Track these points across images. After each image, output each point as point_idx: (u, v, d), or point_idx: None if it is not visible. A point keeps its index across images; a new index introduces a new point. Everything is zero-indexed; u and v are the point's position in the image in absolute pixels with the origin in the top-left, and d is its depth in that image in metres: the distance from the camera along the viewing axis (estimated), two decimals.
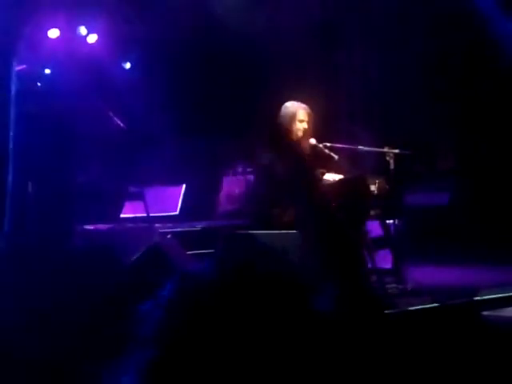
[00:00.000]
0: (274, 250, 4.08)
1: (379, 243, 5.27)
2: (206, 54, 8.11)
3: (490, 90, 7.24)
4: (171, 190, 8.19)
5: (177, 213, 8.05)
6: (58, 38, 7.35)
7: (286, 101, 5.48)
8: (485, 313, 4.22)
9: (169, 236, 5.57)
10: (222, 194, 7.89)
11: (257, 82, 7.78)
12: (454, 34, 7.31)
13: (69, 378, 3.23)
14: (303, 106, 5.41)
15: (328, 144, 5.46)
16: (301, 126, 5.37)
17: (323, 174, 5.37)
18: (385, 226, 5.34)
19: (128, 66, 8.26)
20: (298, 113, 5.36)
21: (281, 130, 5.40)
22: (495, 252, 6.17)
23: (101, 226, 6.55)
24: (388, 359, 3.22)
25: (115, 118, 7.11)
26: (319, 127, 5.54)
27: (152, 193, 7.60)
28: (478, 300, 4.44)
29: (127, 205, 7.38)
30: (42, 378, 3.22)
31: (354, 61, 7.49)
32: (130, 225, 6.85)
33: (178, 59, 8.11)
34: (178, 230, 6.65)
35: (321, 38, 7.75)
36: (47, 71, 7.25)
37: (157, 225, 6.77)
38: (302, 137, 5.41)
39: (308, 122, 5.37)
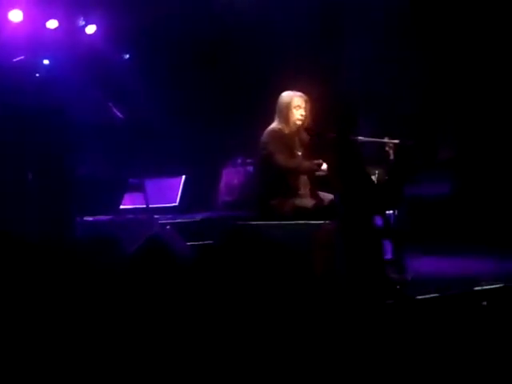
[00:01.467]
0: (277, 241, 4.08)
1: (380, 234, 5.27)
2: (207, 46, 8.08)
3: (490, 81, 7.22)
4: (171, 181, 8.19)
5: (176, 204, 8.05)
6: (56, 28, 7.33)
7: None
8: (485, 303, 4.22)
9: (168, 227, 5.57)
10: (222, 186, 7.89)
11: (257, 74, 7.75)
12: (452, 26, 7.30)
13: None
14: (298, 93, 5.43)
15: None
16: (297, 113, 5.37)
17: (321, 165, 5.37)
18: (385, 217, 5.33)
19: (127, 56, 8.23)
20: (293, 100, 5.38)
21: (279, 120, 5.41)
22: (495, 242, 6.17)
23: (101, 218, 6.55)
24: (389, 348, 3.22)
25: (114, 109, 7.09)
26: (319, 117, 5.54)
27: (152, 184, 7.60)
28: (478, 290, 4.44)
29: (127, 196, 7.38)
30: None
31: (355, 50, 7.47)
32: (130, 216, 6.84)
33: (178, 50, 8.08)
34: (178, 221, 6.65)
35: (320, 28, 7.73)
36: (46, 62, 7.23)
37: (156, 216, 6.77)
38: (301, 125, 5.41)
39: (305, 109, 5.38)
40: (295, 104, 5.38)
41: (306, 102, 5.39)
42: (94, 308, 3.76)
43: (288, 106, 5.38)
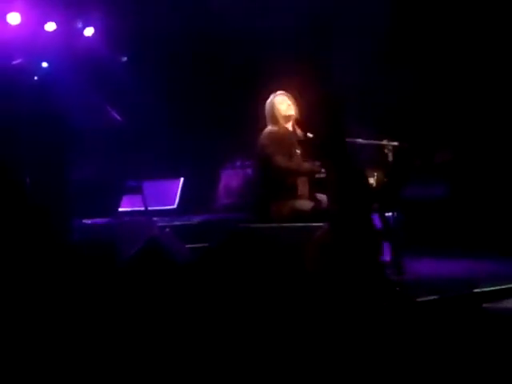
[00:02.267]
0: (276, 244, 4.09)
1: (378, 235, 5.28)
2: (205, 49, 8.09)
3: (487, 84, 7.24)
4: (169, 183, 8.18)
5: (175, 206, 8.04)
6: (54, 31, 7.33)
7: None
8: (485, 305, 4.22)
9: (167, 230, 5.56)
10: (221, 188, 7.88)
11: (257, 75, 7.76)
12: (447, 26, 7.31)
13: None
14: (279, 92, 5.51)
15: None
16: (284, 110, 5.43)
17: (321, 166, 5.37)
18: (384, 219, 5.34)
19: (125, 59, 8.23)
20: (275, 101, 5.46)
21: (271, 123, 5.45)
22: (494, 244, 6.18)
23: (99, 220, 6.54)
24: (388, 350, 3.22)
25: (113, 112, 7.09)
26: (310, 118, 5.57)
27: (150, 186, 7.60)
28: (477, 292, 4.44)
29: (125, 198, 7.36)
30: None
31: (352, 52, 7.47)
32: (129, 219, 6.84)
33: (176, 53, 8.08)
34: (176, 223, 6.65)
35: (314, 30, 7.73)
36: (44, 65, 7.23)
37: (155, 218, 6.76)
38: (294, 123, 5.46)
39: (289, 106, 5.44)
40: (278, 104, 5.44)
41: (288, 98, 5.47)
42: (92, 310, 3.76)
43: (272, 109, 5.45)
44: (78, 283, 4.15)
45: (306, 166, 5.39)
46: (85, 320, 3.70)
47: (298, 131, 5.49)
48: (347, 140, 5.54)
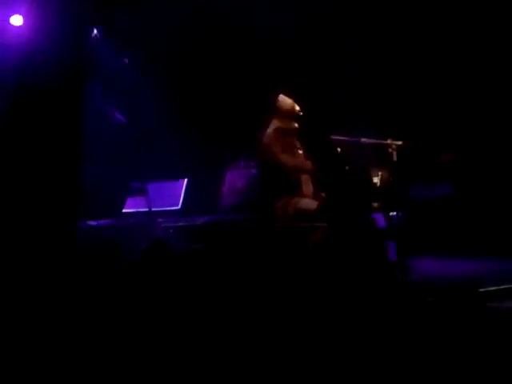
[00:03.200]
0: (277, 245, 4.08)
1: (383, 235, 5.27)
2: (209, 48, 8.10)
3: (492, 82, 7.22)
4: (173, 184, 8.17)
5: (179, 207, 8.03)
6: None
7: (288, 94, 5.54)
8: (490, 304, 4.21)
9: (171, 231, 5.56)
10: (225, 189, 7.87)
11: (259, 75, 7.77)
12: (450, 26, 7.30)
13: None
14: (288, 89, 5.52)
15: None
16: (290, 103, 5.45)
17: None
18: (388, 219, 5.33)
19: (126, 61, 8.22)
20: (295, 107, 5.45)
21: (279, 120, 5.45)
22: (499, 243, 6.16)
23: (103, 222, 6.54)
24: (393, 349, 3.21)
25: (116, 113, 7.09)
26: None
27: (154, 188, 7.59)
28: (482, 291, 4.43)
29: (130, 200, 7.37)
30: None
31: (356, 51, 7.47)
32: (133, 220, 6.83)
33: (179, 54, 8.09)
34: (180, 224, 6.64)
35: (320, 30, 7.73)
36: None
37: (159, 220, 6.75)
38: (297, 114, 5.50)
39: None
40: (286, 100, 5.45)
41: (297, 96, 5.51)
42: (96, 311, 3.77)
43: (290, 111, 5.44)
44: (83, 285, 4.16)
45: (311, 164, 5.40)
46: (89, 319, 3.71)
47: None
48: (350, 139, 5.54)
